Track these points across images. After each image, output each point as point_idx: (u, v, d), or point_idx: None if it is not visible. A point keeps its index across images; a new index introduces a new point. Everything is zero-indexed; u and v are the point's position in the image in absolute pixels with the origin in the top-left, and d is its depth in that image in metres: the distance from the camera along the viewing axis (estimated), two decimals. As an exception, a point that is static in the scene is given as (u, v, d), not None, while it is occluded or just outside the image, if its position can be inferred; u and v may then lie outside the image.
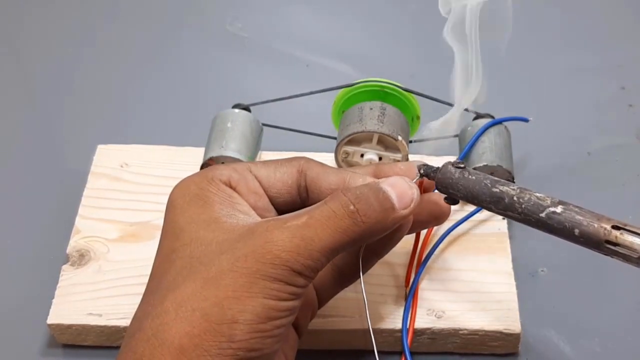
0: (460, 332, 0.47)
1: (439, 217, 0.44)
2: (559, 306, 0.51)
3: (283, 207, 0.42)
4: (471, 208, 0.52)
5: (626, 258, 0.36)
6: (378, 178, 0.41)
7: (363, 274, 0.42)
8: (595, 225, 0.37)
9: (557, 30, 0.70)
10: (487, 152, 0.53)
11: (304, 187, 0.42)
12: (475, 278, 0.49)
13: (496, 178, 0.40)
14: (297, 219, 0.37)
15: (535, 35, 0.70)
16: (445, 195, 0.42)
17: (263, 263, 0.36)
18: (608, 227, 0.36)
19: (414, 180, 0.41)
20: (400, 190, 0.39)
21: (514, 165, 0.53)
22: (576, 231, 0.37)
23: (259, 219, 0.40)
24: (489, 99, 0.61)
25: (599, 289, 0.52)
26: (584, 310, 0.51)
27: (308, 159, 0.42)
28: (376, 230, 0.39)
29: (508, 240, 0.51)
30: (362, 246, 0.42)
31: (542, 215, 0.38)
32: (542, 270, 0.53)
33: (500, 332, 0.47)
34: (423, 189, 0.43)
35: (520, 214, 0.39)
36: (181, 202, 0.40)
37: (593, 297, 0.51)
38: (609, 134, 0.61)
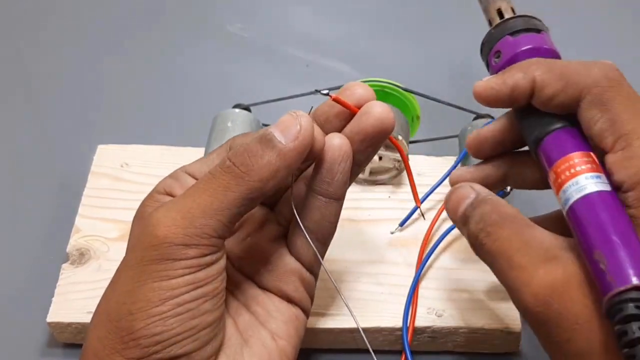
0: (461, 330, 0.47)
1: (384, 128, 0.40)
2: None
3: None
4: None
5: None
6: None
7: (333, 228, 0.42)
8: None
9: (557, 31, 0.70)
10: (487, 152, 0.53)
11: None
12: (475, 277, 0.49)
13: None
14: (179, 195, 0.38)
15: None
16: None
17: (145, 249, 0.36)
18: None
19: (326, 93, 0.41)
20: (285, 123, 0.37)
21: (514, 164, 0.53)
22: None
23: None
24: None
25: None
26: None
27: (234, 136, 0.41)
28: (267, 174, 0.36)
29: (508, 240, 0.51)
30: (291, 187, 0.41)
31: None
32: (542, 270, 0.53)
33: (501, 331, 0.47)
34: (348, 106, 0.40)
35: None
36: (131, 227, 0.40)
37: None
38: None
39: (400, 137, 0.52)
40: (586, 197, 0.35)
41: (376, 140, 0.40)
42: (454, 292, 0.49)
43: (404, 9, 0.73)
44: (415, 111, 0.55)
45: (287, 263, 0.42)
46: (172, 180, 0.40)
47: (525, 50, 0.41)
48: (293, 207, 0.40)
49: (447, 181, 0.50)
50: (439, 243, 0.51)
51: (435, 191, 0.53)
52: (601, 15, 0.72)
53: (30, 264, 0.54)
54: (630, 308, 0.31)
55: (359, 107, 0.40)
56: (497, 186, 0.43)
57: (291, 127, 0.37)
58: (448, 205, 0.40)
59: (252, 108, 0.56)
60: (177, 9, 0.74)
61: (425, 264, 0.50)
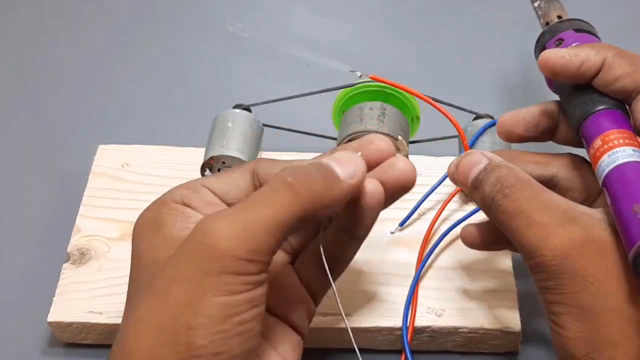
0: (461, 330, 0.47)
1: (406, 183, 0.41)
2: (558, 305, 0.51)
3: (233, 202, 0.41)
4: (471, 208, 0.52)
5: None
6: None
7: (347, 264, 0.42)
8: None
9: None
10: (487, 152, 0.53)
11: (260, 187, 0.40)
12: (475, 277, 0.49)
13: None
14: (235, 205, 0.36)
15: (535, 36, 0.70)
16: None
17: (204, 259, 0.34)
18: None
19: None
20: (343, 160, 0.38)
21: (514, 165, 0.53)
22: None
23: None
24: (489, 99, 0.62)
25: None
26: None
27: (259, 159, 0.41)
28: (323, 201, 0.36)
29: (508, 240, 0.52)
30: (322, 230, 0.41)
31: None
32: (541, 270, 0.53)
33: (501, 331, 0.47)
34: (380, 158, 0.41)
35: None
36: (139, 230, 0.39)
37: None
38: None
39: (400, 137, 0.52)
40: (626, 164, 0.37)
41: (398, 195, 0.42)
42: (454, 292, 0.49)
43: (404, 8, 0.74)
44: (415, 111, 0.55)
45: (298, 292, 0.42)
46: (190, 192, 0.39)
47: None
48: (322, 251, 0.40)
49: (447, 181, 0.51)
50: (438, 243, 0.51)
51: (435, 191, 0.53)
52: (601, 15, 0.72)
53: (31, 263, 0.54)
54: None
55: (382, 161, 0.41)
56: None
57: (350, 165, 0.38)
58: (458, 169, 0.41)
59: (252, 108, 0.56)
60: (177, 9, 0.74)
61: (425, 264, 0.50)
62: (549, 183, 0.43)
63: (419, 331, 0.48)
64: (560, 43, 0.44)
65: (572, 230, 0.36)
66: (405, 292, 0.49)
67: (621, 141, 0.38)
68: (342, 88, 0.54)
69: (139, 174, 0.56)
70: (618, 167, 0.37)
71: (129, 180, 0.56)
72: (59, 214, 0.57)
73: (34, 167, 0.61)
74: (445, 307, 0.48)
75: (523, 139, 0.44)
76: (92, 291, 0.49)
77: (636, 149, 0.37)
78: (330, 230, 0.42)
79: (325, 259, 0.40)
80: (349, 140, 0.52)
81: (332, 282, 0.41)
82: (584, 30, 0.44)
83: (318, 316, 0.47)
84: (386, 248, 0.51)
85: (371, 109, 0.53)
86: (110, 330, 0.48)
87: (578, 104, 0.41)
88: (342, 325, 0.48)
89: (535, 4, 0.48)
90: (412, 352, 0.46)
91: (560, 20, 0.46)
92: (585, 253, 0.36)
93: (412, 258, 0.50)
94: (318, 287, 0.43)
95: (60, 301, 0.49)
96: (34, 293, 0.52)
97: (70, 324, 0.48)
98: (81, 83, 0.67)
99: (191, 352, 0.33)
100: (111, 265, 0.51)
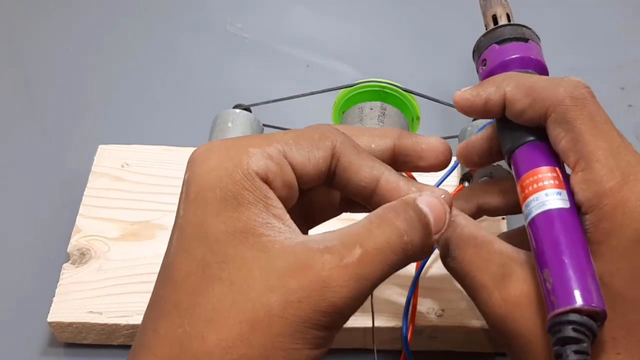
0: (461, 330, 0.48)
1: (441, 162, 0.40)
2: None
3: (303, 187, 0.36)
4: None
5: None
6: (401, 156, 0.39)
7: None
8: None
9: (556, 31, 0.71)
10: (487, 152, 0.53)
11: (333, 172, 0.37)
12: (475, 277, 0.49)
13: None
14: (351, 252, 0.33)
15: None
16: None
17: (317, 311, 0.32)
18: None
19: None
20: (437, 213, 0.35)
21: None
22: None
23: (297, 231, 0.34)
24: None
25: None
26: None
27: (343, 139, 0.36)
28: (418, 257, 0.35)
29: (508, 240, 0.52)
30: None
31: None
32: (541, 270, 0.53)
33: (500, 331, 0.47)
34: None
35: None
36: (211, 196, 0.33)
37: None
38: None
39: (400, 137, 0.52)
40: (545, 214, 0.35)
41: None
42: (454, 292, 0.49)
43: (404, 8, 0.74)
44: (415, 111, 0.55)
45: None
46: (274, 165, 0.34)
47: (510, 59, 0.41)
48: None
49: (448, 181, 0.51)
50: (438, 243, 0.51)
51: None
52: (601, 15, 0.72)
53: (31, 263, 0.54)
54: (568, 330, 0.31)
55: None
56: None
57: (441, 220, 0.36)
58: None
59: (252, 108, 0.56)
60: (177, 9, 0.74)
61: (425, 264, 0.50)
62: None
63: (419, 331, 0.48)
64: (485, 64, 0.43)
65: (507, 290, 0.36)
66: (405, 292, 0.49)
67: (545, 183, 0.36)
68: (342, 88, 0.54)
69: (139, 174, 0.56)
70: (543, 214, 0.35)
71: (129, 180, 0.56)
72: (59, 214, 0.57)
73: (34, 167, 0.61)
74: (445, 307, 0.48)
75: (484, 164, 0.44)
76: (92, 291, 0.49)
77: (560, 190, 0.36)
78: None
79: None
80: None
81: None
82: (508, 39, 0.42)
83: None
84: (386, 248, 0.51)
85: (371, 109, 0.53)
86: (110, 330, 0.48)
87: (505, 136, 0.40)
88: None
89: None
90: (413, 352, 0.46)
91: (487, 31, 0.44)
92: (520, 313, 0.35)
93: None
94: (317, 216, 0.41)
95: (60, 301, 0.49)
96: (34, 293, 0.52)
97: (70, 324, 0.48)
98: (81, 83, 0.67)
99: None
100: (111, 265, 0.51)
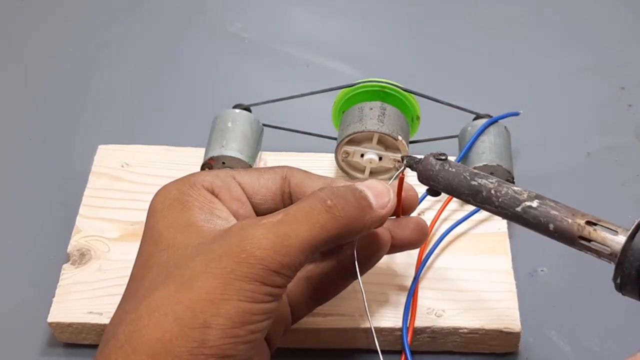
0: (460, 331, 0.47)
1: (418, 238, 0.45)
2: (558, 306, 0.51)
3: (259, 204, 0.42)
4: (471, 208, 0.52)
5: (599, 254, 0.36)
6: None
7: (335, 295, 0.44)
8: (569, 221, 0.36)
9: (556, 31, 0.71)
10: (486, 152, 0.53)
11: (288, 194, 0.42)
12: (475, 277, 0.49)
13: (476, 171, 0.41)
14: (274, 216, 0.37)
15: (535, 36, 0.70)
16: (428, 187, 0.42)
17: (237, 262, 0.35)
18: (582, 222, 0.36)
19: (397, 173, 0.43)
20: (377, 190, 0.40)
21: (514, 165, 0.53)
22: (551, 226, 0.37)
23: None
24: (489, 99, 0.62)
25: (599, 288, 0.52)
26: (584, 310, 0.51)
27: (291, 167, 0.42)
28: (355, 227, 0.38)
29: (508, 240, 0.52)
30: (355, 244, 0.42)
31: (518, 209, 0.38)
32: (541, 270, 0.53)
33: (500, 331, 0.47)
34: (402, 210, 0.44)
35: (497, 207, 0.39)
36: (161, 207, 0.39)
37: (593, 297, 0.51)
38: (609, 134, 0.61)
39: (400, 137, 0.52)
40: None
41: (403, 249, 0.46)
42: (454, 292, 0.49)
43: (404, 8, 0.73)
44: (415, 111, 0.55)
45: (283, 309, 0.42)
46: (219, 181, 0.40)
47: None
48: (358, 273, 0.42)
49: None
50: (438, 243, 0.51)
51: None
52: (601, 15, 0.72)
53: (30, 264, 0.54)
54: None
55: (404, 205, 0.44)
56: None
57: (384, 196, 0.40)
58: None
59: (252, 108, 0.56)
60: (177, 9, 0.74)
61: (425, 264, 0.50)
62: None
63: (419, 332, 0.48)
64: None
65: None
66: (405, 292, 0.49)
67: None
68: (342, 88, 0.54)
69: (139, 174, 0.56)
70: None
71: (129, 180, 0.56)
72: (59, 214, 0.57)
73: (34, 167, 0.61)
74: (445, 307, 0.48)
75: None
76: (92, 292, 0.49)
77: None
78: (331, 264, 0.43)
79: (319, 291, 0.43)
80: (350, 141, 0.52)
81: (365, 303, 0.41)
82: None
83: (319, 317, 0.47)
84: (386, 248, 0.51)
85: (371, 109, 0.53)
86: (110, 330, 0.48)
87: None
88: (343, 326, 0.48)
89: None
90: (413, 352, 0.46)
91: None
92: None
93: (412, 258, 0.50)
94: (301, 310, 0.44)
95: (60, 302, 0.49)
96: (34, 293, 0.52)
97: (70, 325, 0.48)
98: (81, 83, 0.67)
99: (203, 349, 0.34)
100: (111, 266, 0.51)
